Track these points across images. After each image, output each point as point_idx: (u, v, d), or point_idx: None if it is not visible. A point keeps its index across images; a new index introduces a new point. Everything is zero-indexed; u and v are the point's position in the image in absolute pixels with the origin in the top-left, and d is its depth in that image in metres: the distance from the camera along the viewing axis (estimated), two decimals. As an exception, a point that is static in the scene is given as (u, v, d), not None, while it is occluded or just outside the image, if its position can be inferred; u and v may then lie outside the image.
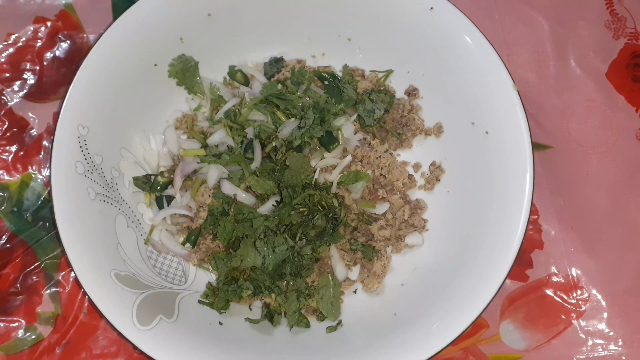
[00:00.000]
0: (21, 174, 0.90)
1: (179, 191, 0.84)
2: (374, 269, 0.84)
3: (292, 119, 0.84)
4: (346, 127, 0.86)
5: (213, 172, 0.83)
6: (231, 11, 0.87)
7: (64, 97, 0.78)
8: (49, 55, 0.95)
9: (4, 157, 0.91)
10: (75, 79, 0.78)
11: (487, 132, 0.80)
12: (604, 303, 0.87)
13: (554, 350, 0.85)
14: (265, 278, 0.79)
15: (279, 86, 0.88)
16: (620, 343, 0.85)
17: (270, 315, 0.81)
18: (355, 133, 0.88)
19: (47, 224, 0.88)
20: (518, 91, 0.78)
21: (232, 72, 0.92)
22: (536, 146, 0.87)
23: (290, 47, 0.92)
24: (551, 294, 0.87)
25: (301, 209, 0.81)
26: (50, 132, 0.92)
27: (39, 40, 0.95)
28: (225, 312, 0.80)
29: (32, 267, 0.86)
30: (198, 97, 0.90)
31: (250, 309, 0.82)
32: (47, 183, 0.90)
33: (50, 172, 0.75)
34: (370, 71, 0.92)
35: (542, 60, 0.97)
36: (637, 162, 0.92)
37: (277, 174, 0.82)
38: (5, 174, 0.90)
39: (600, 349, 0.85)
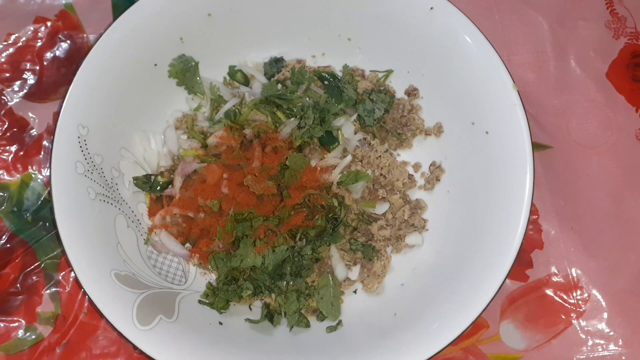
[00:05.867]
0: (21, 174, 0.90)
1: (179, 191, 0.84)
2: (374, 269, 0.84)
3: (292, 119, 0.84)
4: (346, 127, 0.86)
5: (213, 172, 0.83)
6: (231, 11, 0.87)
7: (64, 97, 0.78)
8: (49, 55, 0.95)
9: (4, 157, 0.91)
10: (75, 79, 0.78)
11: (487, 132, 0.80)
12: (604, 303, 0.87)
13: (554, 350, 0.85)
14: (265, 278, 0.79)
15: (279, 86, 0.88)
16: (620, 343, 0.85)
17: (270, 315, 0.81)
18: (355, 133, 0.88)
19: (47, 224, 0.88)
20: (518, 91, 0.78)
21: (232, 72, 0.92)
22: (536, 146, 0.87)
23: (290, 47, 0.92)
24: (551, 294, 0.87)
25: (301, 209, 0.81)
26: (50, 132, 0.92)
27: (39, 40, 0.95)
28: (225, 312, 0.80)
29: (32, 267, 0.86)
30: (198, 97, 0.90)
31: (250, 309, 0.82)
32: (47, 183, 0.90)
33: (50, 172, 0.75)
34: (370, 71, 0.92)
35: (542, 60, 0.97)
36: (637, 162, 0.92)
37: (277, 174, 0.82)
38: (5, 174, 0.90)
39: (600, 349, 0.85)
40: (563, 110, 0.95)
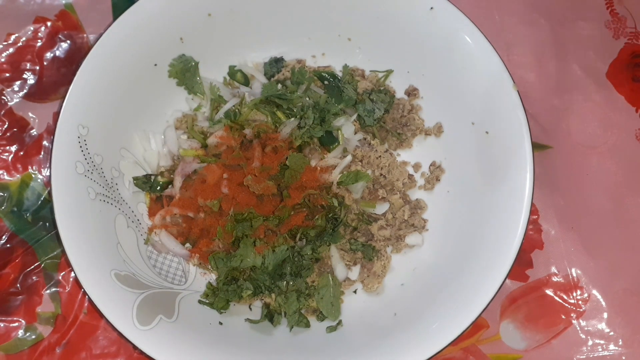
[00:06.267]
0: (21, 174, 0.90)
1: (179, 191, 0.84)
2: (374, 269, 0.84)
3: (292, 119, 0.84)
4: (346, 127, 0.86)
5: (213, 172, 0.83)
6: (231, 11, 0.87)
7: (64, 97, 0.78)
8: (49, 55, 0.95)
9: (4, 157, 0.91)
10: (75, 79, 0.78)
11: (487, 132, 0.80)
12: (604, 303, 0.87)
13: (554, 350, 0.85)
14: (265, 278, 0.79)
15: (279, 86, 0.88)
16: (620, 343, 0.85)
17: (270, 315, 0.81)
18: (355, 133, 0.88)
19: (47, 224, 0.88)
20: (518, 91, 0.78)
21: (232, 72, 0.92)
22: (536, 146, 0.87)
23: (290, 47, 0.92)
24: (551, 294, 0.87)
25: (301, 209, 0.81)
26: (50, 132, 0.92)
27: (39, 40, 0.95)
28: (225, 312, 0.80)
29: (32, 267, 0.86)
30: (198, 97, 0.90)
31: (250, 309, 0.82)
32: (47, 183, 0.90)
33: (50, 172, 0.75)
34: (370, 71, 0.92)
35: (542, 60, 0.97)
36: (637, 162, 0.92)
37: (277, 174, 0.82)
38: (5, 174, 0.90)
39: (600, 349, 0.85)
40: (563, 110, 0.95)
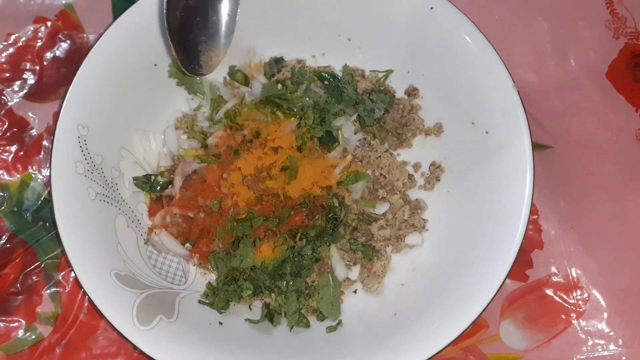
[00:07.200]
0: (21, 174, 0.90)
1: (179, 191, 0.84)
2: (374, 269, 0.84)
3: (292, 119, 0.84)
4: (346, 127, 0.86)
5: (213, 172, 0.83)
6: (231, 11, 0.87)
7: (64, 97, 0.78)
8: (49, 55, 0.95)
9: (4, 157, 0.91)
10: (75, 79, 0.78)
11: (487, 132, 0.80)
12: (604, 303, 0.87)
13: (554, 350, 0.85)
14: (265, 278, 0.79)
15: (279, 86, 0.88)
16: (620, 343, 0.85)
17: (270, 315, 0.81)
18: (355, 133, 0.88)
19: (47, 224, 0.88)
20: (518, 91, 0.78)
21: (232, 72, 0.92)
22: (536, 146, 0.87)
23: (290, 47, 0.92)
24: (551, 294, 0.87)
25: (301, 209, 0.81)
26: (50, 132, 0.92)
27: (39, 40, 0.95)
28: (225, 312, 0.80)
29: (32, 267, 0.86)
30: (198, 97, 0.90)
31: (250, 309, 0.82)
32: (47, 183, 0.90)
33: (50, 172, 0.75)
34: (370, 71, 0.92)
35: (542, 60, 0.97)
36: (637, 162, 0.92)
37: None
38: (5, 174, 0.90)
39: (600, 349, 0.85)
40: (563, 110, 0.95)
